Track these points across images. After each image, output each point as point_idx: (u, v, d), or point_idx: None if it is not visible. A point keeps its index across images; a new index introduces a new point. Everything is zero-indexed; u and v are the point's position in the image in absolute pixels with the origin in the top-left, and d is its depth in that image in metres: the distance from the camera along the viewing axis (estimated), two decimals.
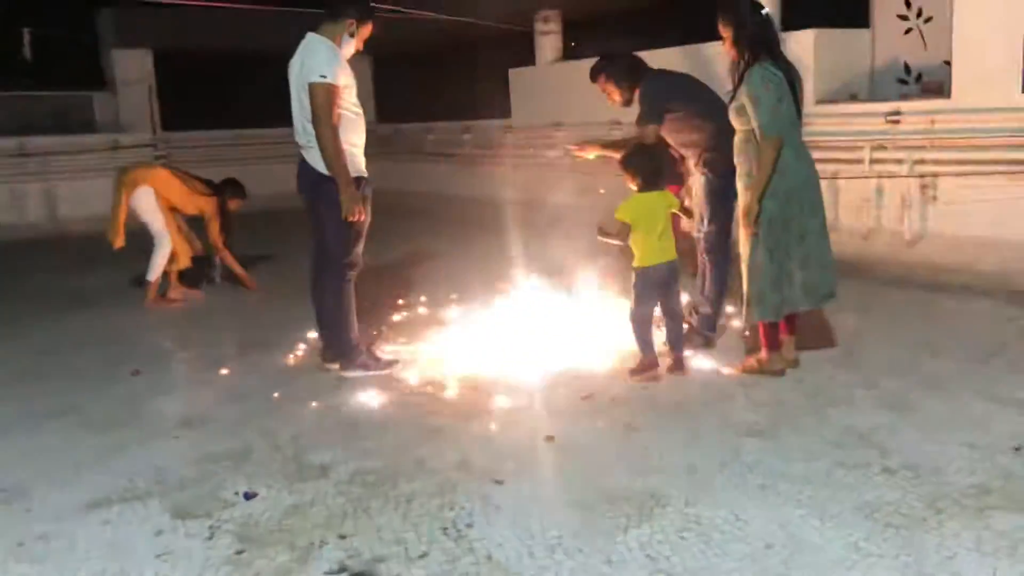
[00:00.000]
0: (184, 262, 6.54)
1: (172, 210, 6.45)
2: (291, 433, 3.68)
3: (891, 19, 7.91)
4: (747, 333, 4.70)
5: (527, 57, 11.13)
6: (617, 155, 4.46)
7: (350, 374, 4.41)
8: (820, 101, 7.18)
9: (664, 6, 9.87)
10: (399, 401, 4.06)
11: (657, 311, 4.29)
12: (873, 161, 6.66)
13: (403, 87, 13.95)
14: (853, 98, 7.34)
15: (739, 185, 4.07)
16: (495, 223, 8.44)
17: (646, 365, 4.20)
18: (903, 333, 4.82)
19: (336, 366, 4.51)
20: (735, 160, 4.09)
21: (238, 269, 6.79)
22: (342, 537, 2.72)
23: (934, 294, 5.71)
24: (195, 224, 6.65)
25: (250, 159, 12.03)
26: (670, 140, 4.64)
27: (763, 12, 4.01)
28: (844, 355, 4.43)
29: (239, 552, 2.66)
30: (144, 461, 3.43)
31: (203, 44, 12.63)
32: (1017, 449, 3.14)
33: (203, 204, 6.53)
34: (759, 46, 3.94)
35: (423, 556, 2.59)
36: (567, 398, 3.98)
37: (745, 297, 4.09)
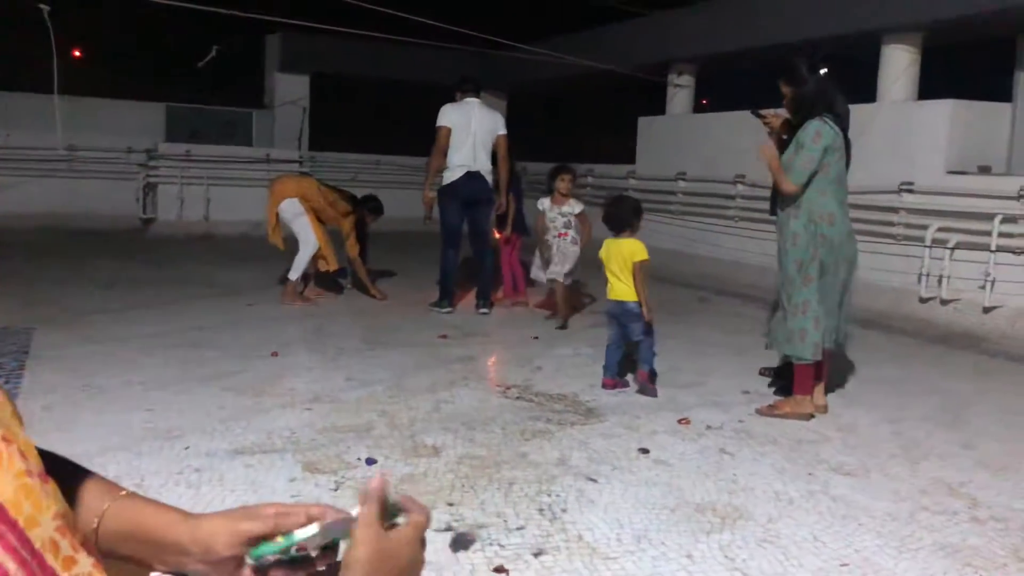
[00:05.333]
0: (332, 265, 7.05)
1: (318, 220, 7.01)
2: (409, 417, 4.05)
3: None
4: (763, 372, 5.05)
5: (653, 107, 11.43)
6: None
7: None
8: (951, 171, 7.15)
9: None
10: (507, 404, 4.38)
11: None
12: (1001, 235, 6.58)
13: (532, 127, 14.49)
14: (984, 170, 7.27)
15: (785, 217, 4.31)
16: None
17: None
18: (1017, 403, 4.78)
19: (485, 311, 6.73)
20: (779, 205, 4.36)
21: (367, 280, 7.28)
22: (450, 504, 3.04)
23: None
24: (334, 236, 7.20)
25: (386, 183, 12.71)
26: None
27: (822, 72, 4.29)
28: (949, 417, 4.45)
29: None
30: (281, 423, 3.87)
31: (354, 71, 13.58)
32: None
33: (342, 217, 7.07)
34: (818, 104, 4.20)
35: (520, 529, 2.88)
36: (665, 419, 4.19)
37: (787, 334, 4.32)
